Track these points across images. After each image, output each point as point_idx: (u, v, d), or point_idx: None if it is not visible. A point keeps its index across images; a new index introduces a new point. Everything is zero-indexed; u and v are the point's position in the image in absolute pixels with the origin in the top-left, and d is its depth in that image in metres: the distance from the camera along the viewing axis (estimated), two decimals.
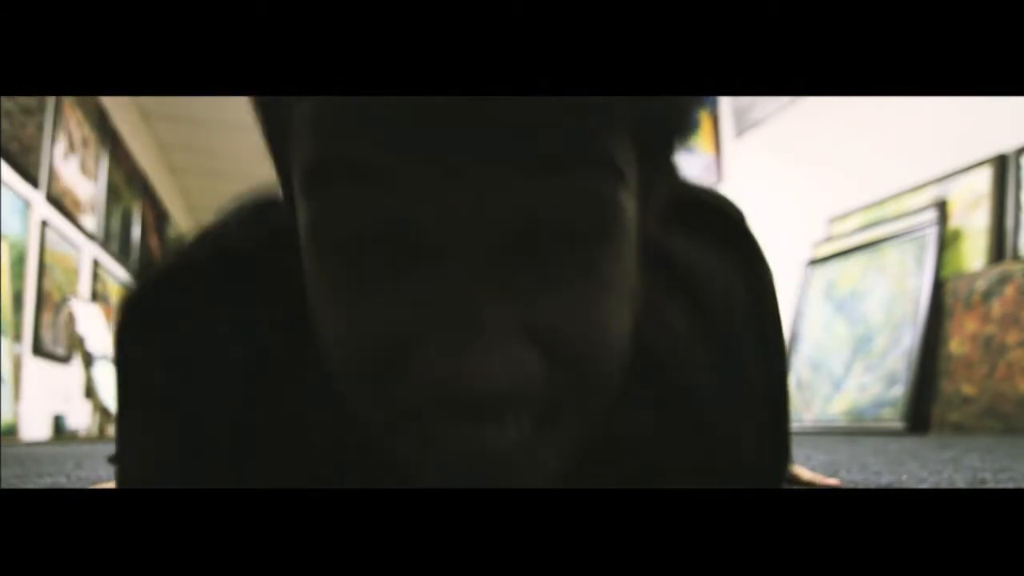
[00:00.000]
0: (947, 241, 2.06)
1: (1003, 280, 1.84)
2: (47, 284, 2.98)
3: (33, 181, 2.84)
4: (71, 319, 3.20)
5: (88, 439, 2.93)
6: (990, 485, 0.69)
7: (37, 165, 2.87)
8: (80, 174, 3.38)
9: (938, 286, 2.01)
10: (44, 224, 2.96)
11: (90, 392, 3.25)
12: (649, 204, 0.29)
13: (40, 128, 2.90)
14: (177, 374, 0.36)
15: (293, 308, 0.31)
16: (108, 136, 3.74)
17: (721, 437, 0.40)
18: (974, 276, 1.93)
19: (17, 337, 2.67)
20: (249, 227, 0.39)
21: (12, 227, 2.63)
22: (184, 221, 5.44)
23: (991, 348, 1.82)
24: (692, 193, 0.46)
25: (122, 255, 4.03)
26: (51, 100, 2.98)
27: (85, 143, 3.44)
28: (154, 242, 4.68)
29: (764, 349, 0.44)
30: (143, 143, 4.36)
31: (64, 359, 3.15)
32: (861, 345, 2.18)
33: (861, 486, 0.72)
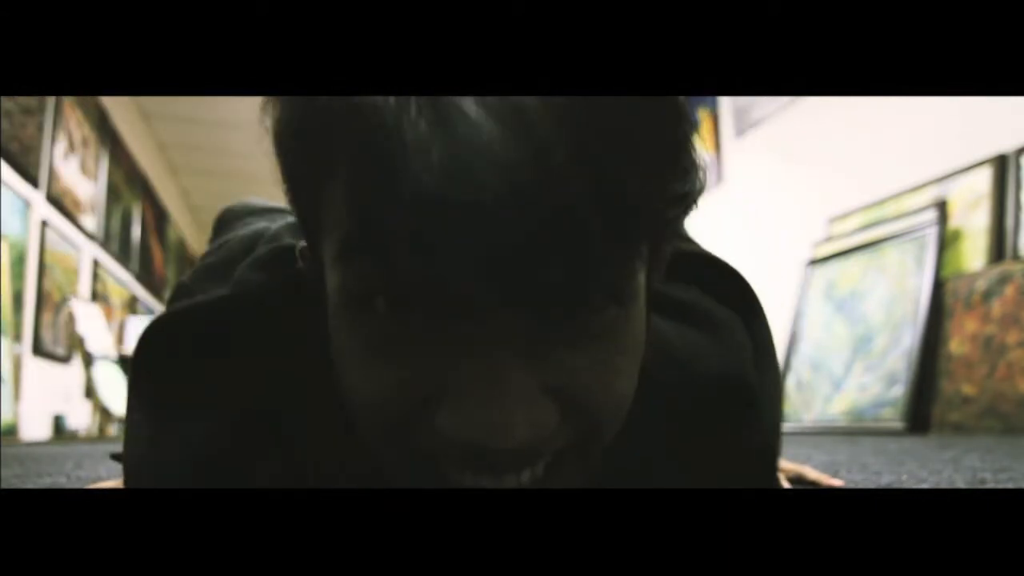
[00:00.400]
0: (947, 241, 2.05)
1: (1003, 280, 1.84)
2: (47, 284, 2.98)
3: (33, 181, 2.84)
4: (71, 319, 3.20)
5: (88, 439, 2.93)
6: (990, 485, 0.69)
7: (37, 165, 2.87)
8: (80, 174, 3.38)
9: (938, 286, 2.01)
10: (44, 224, 2.96)
11: (90, 392, 3.25)
12: (655, 268, 0.30)
13: (40, 128, 2.90)
14: (196, 390, 0.38)
15: (311, 355, 0.33)
16: (108, 136, 3.74)
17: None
18: (974, 276, 1.93)
19: (17, 337, 2.67)
20: (270, 276, 0.40)
21: (12, 227, 2.63)
22: (184, 221, 5.44)
23: (991, 348, 1.82)
24: (686, 248, 0.48)
25: (122, 255, 4.03)
26: (51, 100, 2.97)
27: (85, 143, 3.44)
28: (154, 242, 4.68)
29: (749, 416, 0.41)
30: (143, 143, 4.36)
31: (64, 359, 3.15)
32: (861, 345, 2.18)
33: (861, 486, 0.72)
